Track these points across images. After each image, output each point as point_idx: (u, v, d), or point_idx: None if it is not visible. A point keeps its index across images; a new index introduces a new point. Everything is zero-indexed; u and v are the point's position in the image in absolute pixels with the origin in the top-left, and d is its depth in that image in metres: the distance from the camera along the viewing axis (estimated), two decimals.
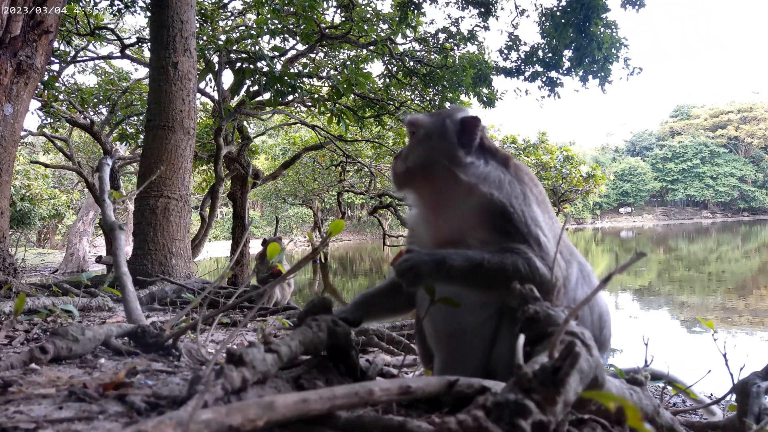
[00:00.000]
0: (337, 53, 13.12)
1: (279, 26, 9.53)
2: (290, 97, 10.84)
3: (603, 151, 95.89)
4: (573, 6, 9.37)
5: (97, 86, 13.65)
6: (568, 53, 10.26)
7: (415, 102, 12.59)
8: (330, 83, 12.24)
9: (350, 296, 14.98)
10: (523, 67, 11.08)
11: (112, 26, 13.44)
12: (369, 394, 0.96)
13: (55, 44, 9.53)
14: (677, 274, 19.35)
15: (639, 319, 10.89)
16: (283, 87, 7.96)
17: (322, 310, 1.57)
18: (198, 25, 9.15)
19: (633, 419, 0.79)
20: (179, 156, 5.65)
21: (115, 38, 12.71)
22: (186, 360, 1.82)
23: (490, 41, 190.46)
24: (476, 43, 11.94)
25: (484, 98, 11.83)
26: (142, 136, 11.77)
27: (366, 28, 11.25)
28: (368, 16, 11.51)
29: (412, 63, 11.93)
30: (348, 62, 12.32)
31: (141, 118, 12.70)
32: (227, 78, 11.53)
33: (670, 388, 2.32)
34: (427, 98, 12.21)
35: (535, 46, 10.87)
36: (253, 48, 9.64)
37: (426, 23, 12.33)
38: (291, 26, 10.11)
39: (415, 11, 10.66)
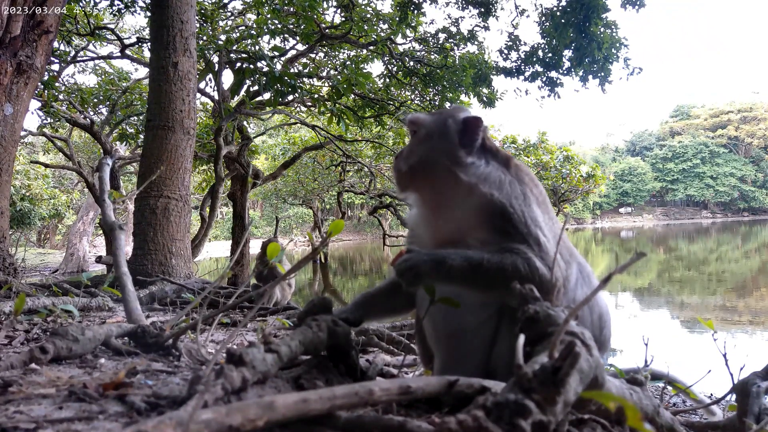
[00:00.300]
0: (337, 53, 13.12)
1: (279, 26, 9.53)
2: (290, 97, 10.84)
3: (603, 151, 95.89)
4: (573, 6, 9.37)
5: (97, 86, 13.65)
6: (568, 53, 10.26)
7: (415, 102, 12.59)
8: (330, 83, 12.24)
9: (350, 296, 14.99)
10: (523, 67, 11.08)
11: (112, 26, 13.44)
12: (369, 394, 0.96)
13: (55, 44, 9.53)
14: (677, 274, 19.36)
15: (639, 319, 10.89)
16: (283, 87, 7.96)
17: (322, 310, 1.57)
18: (198, 25, 9.15)
19: (633, 419, 0.79)
20: (179, 156, 5.65)
21: (115, 38, 12.71)
22: (186, 360, 1.82)
23: (490, 41, 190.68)
24: (476, 43, 11.95)
25: (484, 98, 11.83)
26: (142, 136, 11.77)
27: (366, 28, 11.25)
28: (368, 16, 11.51)
29: (412, 63, 11.93)
30: (348, 62, 12.32)
31: (141, 118, 12.70)
32: (227, 78, 11.55)
33: (670, 388, 2.32)
34: (427, 98, 12.21)
35: (535, 46, 10.87)
36: (253, 48, 9.64)
37: (426, 23, 12.34)
38: (291, 26, 10.11)
39: (415, 11, 10.66)
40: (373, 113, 12.15)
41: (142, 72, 15.25)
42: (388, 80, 12.54)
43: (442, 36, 11.98)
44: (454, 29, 11.82)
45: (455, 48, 12.04)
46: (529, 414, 0.81)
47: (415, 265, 1.51)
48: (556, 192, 16.68)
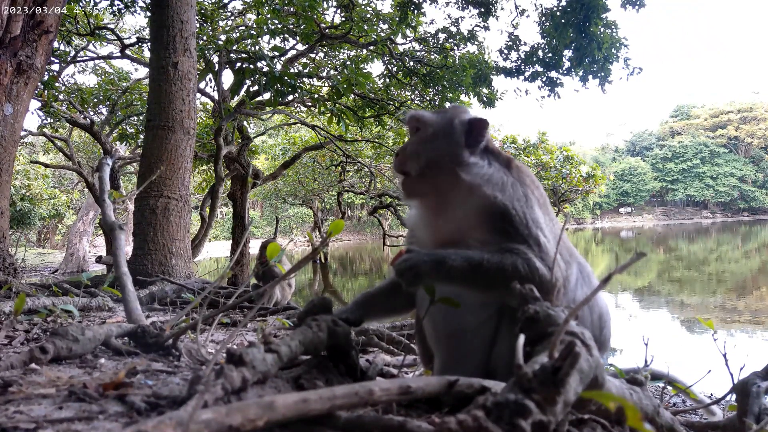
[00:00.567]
0: (337, 53, 13.12)
1: (279, 26, 9.53)
2: (290, 97, 10.84)
3: (603, 151, 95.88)
4: (573, 6, 9.37)
5: (97, 86, 13.65)
6: (568, 53, 10.26)
7: (415, 102, 12.59)
8: (330, 83, 12.24)
9: (350, 296, 14.99)
10: (523, 67, 11.08)
11: (112, 26, 13.44)
12: (369, 394, 0.96)
13: (55, 44, 9.53)
14: (677, 274, 19.36)
15: (639, 319, 10.89)
16: (283, 87, 7.96)
17: (322, 310, 1.57)
18: (198, 25, 9.15)
19: (633, 419, 0.79)
20: (179, 156, 5.65)
21: (115, 38, 12.71)
22: (186, 360, 1.82)
23: (490, 41, 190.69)
24: (476, 43, 11.95)
25: (484, 98, 11.83)
26: (142, 136, 11.77)
27: (366, 28, 11.24)
28: (368, 16, 11.51)
29: (412, 63, 11.93)
30: (348, 62, 12.32)
31: (141, 118, 12.70)
32: (227, 78, 11.55)
33: (670, 388, 2.32)
34: (427, 98, 12.21)
35: (535, 46, 10.87)
36: (253, 48, 9.64)
37: (426, 23, 12.34)
38: (291, 26, 10.11)
39: (415, 11, 10.66)
40: (373, 113, 12.15)
41: (142, 72, 15.27)
42: (388, 80, 12.54)
43: (442, 36, 11.98)
44: (454, 29, 11.82)
45: (455, 48, 12.04)
46: (529, 414, 0.81)
47: (414, 265, 1.51)
48: (556, 192, 16.67)
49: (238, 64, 9.10)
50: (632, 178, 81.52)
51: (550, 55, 10.47)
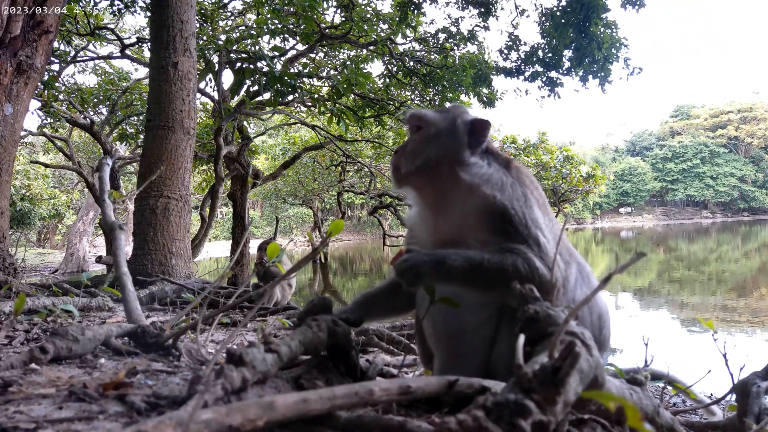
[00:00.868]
0: (337, 53, 13.12)
1: (279, 26, 9.53)
2: (290, 97, 10.83)
3: (603, 151, 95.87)
4: (573, 6, 9.36)
5: (97, 86, 13.65)
6: (568, 53, 10.26)
7: (415, 102, 12.58)
8: (330, 83, 12.23)
9: (350, 296, 14.99)
10: (523, 67, 11.07)
11: (112, 26, 13.43)
12: (369, 394, 0.96)
13: (55, 44, 9.53)
14: (677, 274, 19.35)
15: (639, 319, 10.89)
16: (283, 87, 7.96)
17: (322, 310, 1.57)
18: (198, 25, 9.15)
19: (633, 419, 0.79)
20: (179, 156, 5.65)
21: (115, 38, 12.71)
22: (186, 360, 1.82)
23: (490, 41, 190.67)
24: (476, 43, 11.95)
25: (484, 98, 11.83)
26: (142, 136, 11.77)
27: (366, 28, 11.24)
28: (368, 16, 11.51)
29: (412, 63, 11.93)
30: (348, 62, 12.32)
31: (141, 118, 12.70)
32: (227, 78, 11.55)
33: (670, 388, 2.32)
34: (427, 98, 12.21)
35: (535, 46, 10.87)
36: (253, 48, 9.64)
37: (426, 23, 12.34)
38: (291, 26, 10.11)
39: (415, 11, 10.66)
40: (373, 113, 12.15)
41: (142, 72, 15.26)
42: (388, 80, 12.54)
43: (442, 36, 11.98)
44: (454, 29, 11.82)
45: (455, 48, 12.04)
46: (529, 414, 0.81)
47: (414, 265, 1.51)
48: (556, 192, 16.65)
49: (238, 64, 9.10)
50: (632, 178, 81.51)
51: (550, 55, 10.47)
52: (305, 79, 11.74)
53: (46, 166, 20.74)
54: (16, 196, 19.53)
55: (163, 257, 5.37)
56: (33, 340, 2.18)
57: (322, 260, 24.00)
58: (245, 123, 13.50)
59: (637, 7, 9.57)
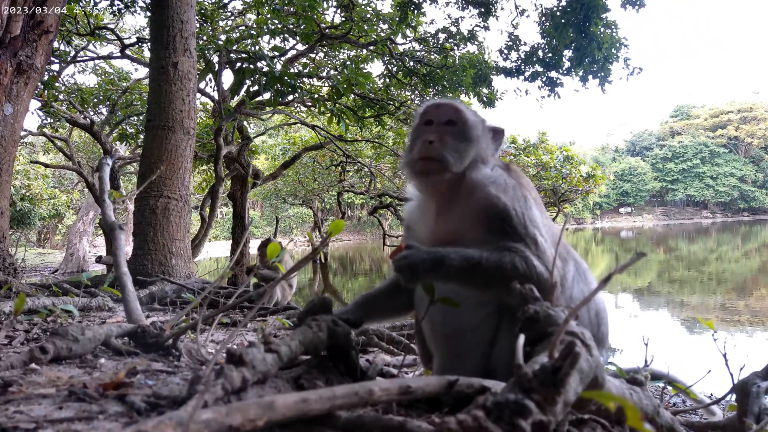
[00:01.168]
0: (337, 53, 13.12)
1: (279, 26, 9.52)
2: (290, 97, 10.83)
3: (603, 151, 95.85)
4: (573, 6, 9.36)
5: (97, 86, 13.64)
6: (568, 53, 10.25)
7: (415, 102, 12.58)
8: (330, 83, 12.23)
9: (350, 296, 14.99)
10: (523, 67, 11.07)
11: (112, 26, 13.43)
12: (369, 394, 0.96)
13: (55, 44, 9.52)
14: (677, 274, 19.35)
15: (639, 319, 10.89)
16: (283, 87, 7.96)
17: (322, 310, 1.57)
18: (198, 25, 9.15)
19: (633, 419, 0.79)
20: (179, 156, 5.65)
21: (115, 38, 12.70)
22: (186, 360, 1.82)
23: (490, 41, 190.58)
24: (476, 43, 11.94)
25: (484, 98, 11.83)
26: (142, 136, 11.76)
27: (366, 28, 11.24)
28: (368, 16, 11.51)
29: (412, 63, 11.93)
30: (348, 62, 12.32)
31: (141, 118, 12.70)
32: (227, 78, 11.54)
33: (670, 388, 2.32)
34: (427, 98, 12.20)
35: (535, 46, 10.87)
36: (253, 48, 9.64)
37: (426, 23, 12.34)
38: (291, 26, 10.11)
39: (415, 11, 10.65)
40: (373, 113, 12.15)
41: (142, 72, 15.26)
42: (388, 80, 12.53)
43: (442, 36, 11.98)
44: (454, 29, 11.82)
45: (455, 48, 12.04)
46: (529, 414, 0.81)
47: (413, 262, 1.51)
48: (556, 192, 16.63)
49: (238, 64, 9.10)
50: (632, 178, 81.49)
51: (550, 55, 10.47)
52: (305, 79, 11.74)
53: (46, 166, 20.74)
54: (16, 196, 19.53)
55: (163, 257, 5.37)
56: (33, 340, 2.18)
57: (322, 260, 24.00)
58: (245, 123, 13.50)
59: (637, 7, 9.56)
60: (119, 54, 12.74)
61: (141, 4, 10.29)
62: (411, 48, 12.50)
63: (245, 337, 3.09)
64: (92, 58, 13.93)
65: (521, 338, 0.96)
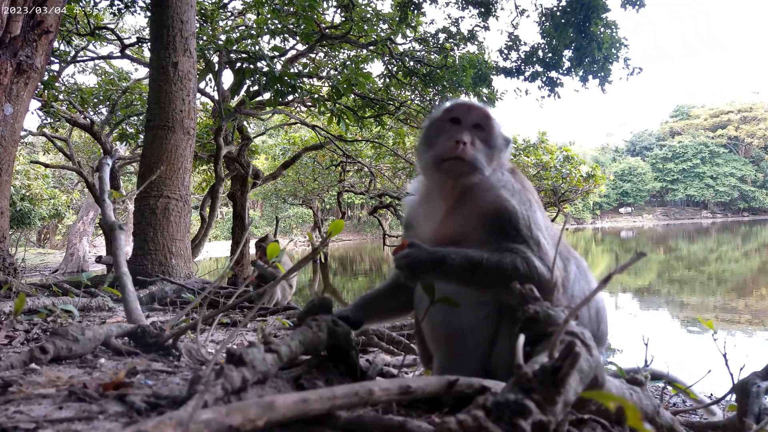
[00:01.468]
0: (337, 53, 13.12)
1: (279, 26, 9.52)
2: (290, 97, 10.83)
3: (603, 151, 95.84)
4: (573, 6, 9.36)
5: (97, 86, 13.64)
6: (568, 53, 10.25)
7: (415, 102, 12.58)
8: (330, 83, 12.23)
9: (350, 296, 14.98)
10: (523, 67, 11.07)
11: (112, 26, 13.42)
12: (369, 394, 0.96)
13: (55, 44, 9.52)
14: (677, 274, 19.35)
15: (639, 319, 10.89)
16: (283, 87, 7.96)
17: (322, 310, 1.57)
18: (198, 25, 9.14)
19: (633, 419, 0.79)
20: (179, 156, 5.65)
21: (115, 38, 12.70)
22: (186, 360, 1.82)
23: (490, 41, 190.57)
24: (476, 43, 11.94)
25: (484, 98, 11.81)
26: (142, 136, 11.76)
27: (366, 28, 11.24)
28: (368, 16, 11.51)
29: (412, 63, 11.93)
30: (348, 62, 12.32)
31: (141, 118, 12.70)
32: (227, 78, 11.54)
33: (670, 388, 2.32)
34: (427, 98, 12.21)
35: (535, 46, 10.86)
36: (253, 48, 9.64)
37: (426, 23, 12.33)
38: (291, 26, 10.10)
39: (415, 11, 10.65)
40: (373, 113, 12.14)
41: (142, 72, 15.25)
42: (388, 80, 12.53)
43: (442, 36, 11.97)
44: (454, 29, 11.81)
45: (455, 48, 12.03)
46: (529, 414, 0.81)
47: (414, 261, 1.52)
48: (556, 192, 16.63)
49: (238, 64, 9.10)
50: (632, 178, 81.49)
51: (550, 55, 10.47)
52: (305, 79, 11.73)
53: (46, 166, 20.73)
54: (16, 196, 19.52)
55: (163, 257, 5.37)
56: (33, 340, 2.18)
57: (322, 260, 24.00)
58: (245, 123, 13.50)
59: (637, 7, 9.56)
60: (119, 54, 12.74)
61: (141, 4, 10.29)
62: (411, 48, 12.49)
63: (245, 337, 3.09)
64: (92, 58, 13.92)
65: (521, 338, 0.96)
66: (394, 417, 1.00)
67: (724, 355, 2.11)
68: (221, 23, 12.18)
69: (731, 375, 2.01)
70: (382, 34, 11.47)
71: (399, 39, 11.83)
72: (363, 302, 1.85)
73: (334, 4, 11.29)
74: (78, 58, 13.26)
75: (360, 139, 14.79)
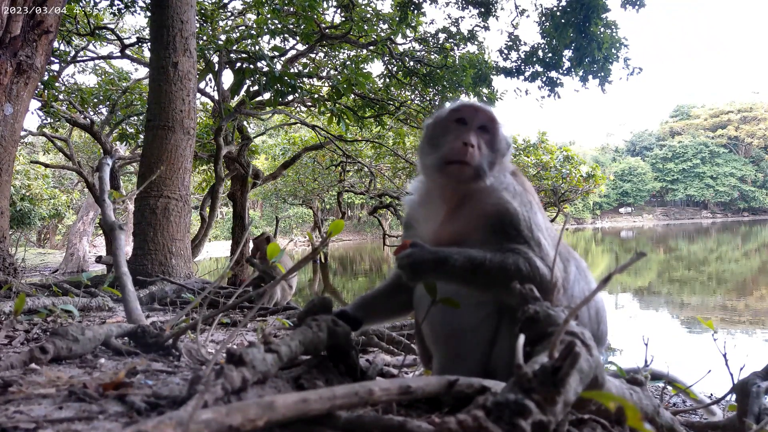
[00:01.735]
0: (337, 53, 13.12)
1: (279, 26, 9.52)
2: (290, 97, 10.83)
3: (603, 151, 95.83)
4: (573, 6, 9.36)
5: (97, 86, 13.64)
6: (568, 53, 10.25)
7: (415, 102, 12.58)
8: (330, 83, 12.23)
9: (350, 296, 14.98)
10: (523, 67, 11.07)
11: (112, 26, 13.42)
12: (369, 394, 0.96)
13: (55, 44, 9.52)
14: (677, 274, 19.35)
15: (639, 319, 10.89)
16: (283, 87, 7.96)
17: (322, 310, 1.57)
18: (198, 25, 9.14)
19: (633, 419, 0.79)
20: (179, 156, 5.65)
21: (115, 38, 12.70)
22: (186, 360, 1.82)
23: (490, 41, 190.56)
24: (476, 43, 11.94)
25: (484, 98, 11.81)
26: (142, 136, 11.76)
27: (366, 28, 11.24)
28: (368, 16, 11.51)
29: (412, 63, 11.93)
30: (348, 62, 12.32)
31: (141, 118, 12.70)
32: (227, 78, 11.54)
33: (670, 388, 2.32)
34: (427, 98, 12.21)
35: (535, 46, 10.86)
36: (253, 48, 9.64)
37: (426, 23, 12.33)
38: (291, 26, 10.11)
39: (415, 11, 10.65)
40: (373, 113, 12.15)
41: (142, 72, 15.25)
42: (388, 80, 12.53)
43: (442, 36, 11.98)
44: (454, 29, 11.81)
45: (455, 48, 12.03)
46: (529, 414, 0.81)
47: (416, 262, 1.52)
48: (556, 192, 16.62)
49: (238, 64, 9.10)
50: (632, 178, 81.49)
51: (550, 55, 10.47)
52: (305, 79, 11.74)
53: (46, 166, 20.73)
54: (16, 196, 19.52)
55: (163, 257, 5.37)
56: (33, 340, 2.18)
57: (322, 260, 24.00)
58: (245, 123, 13.50)
59: (637, 7, 9.56)
60: (119, 54, 12.74)
61: (141, 4, 10.29)
62: (411, 48, 12.49)
63: (245, 337, 3.09)
64: (92, 58, 13.92)
65: (521, 338, 0.96)
66: (394, 417, 1.00)
67: (724, 355, 2.11)
68: (221, 23, 12.18)
69: (731, 375, 2.01)
70: (382, 34, 11.47)
71: (399, 39, 11.84)
72: (363, 302, 1.85)
73: (334, 4, 11.29)
74: (78, 58, 13.26)
75: (360, 139, 14.80)
